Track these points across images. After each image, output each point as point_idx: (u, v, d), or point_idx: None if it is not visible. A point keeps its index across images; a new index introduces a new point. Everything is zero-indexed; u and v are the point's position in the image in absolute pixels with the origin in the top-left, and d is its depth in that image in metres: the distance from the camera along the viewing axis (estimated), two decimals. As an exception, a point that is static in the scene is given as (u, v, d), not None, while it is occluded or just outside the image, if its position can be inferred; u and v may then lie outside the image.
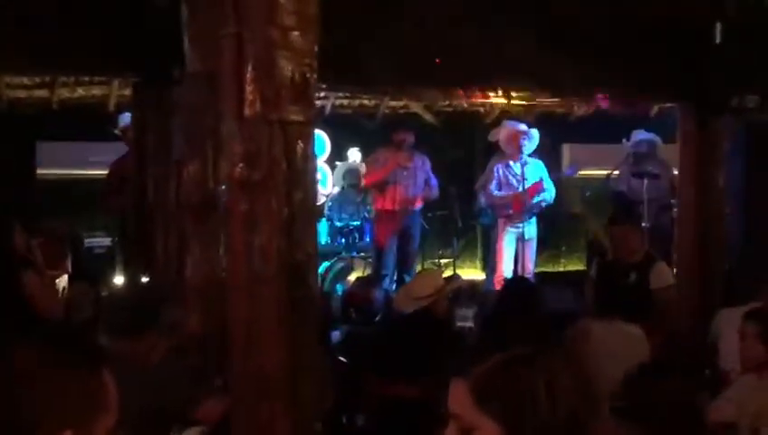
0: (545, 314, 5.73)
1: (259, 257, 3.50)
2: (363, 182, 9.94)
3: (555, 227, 10.66)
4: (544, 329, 5.11)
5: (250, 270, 3.52)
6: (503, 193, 9.15)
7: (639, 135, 9.39)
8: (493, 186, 9.20)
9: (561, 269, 11.38)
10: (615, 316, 5.25)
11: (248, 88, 3.50)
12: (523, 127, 9.17)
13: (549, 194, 9.22)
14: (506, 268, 9.12)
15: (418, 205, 9.64)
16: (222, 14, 3.65)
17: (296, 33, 3.54)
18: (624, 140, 9.50)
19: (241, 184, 3.55)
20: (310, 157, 3.65)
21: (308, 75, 3.57)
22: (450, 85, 7.12)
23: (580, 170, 10.47)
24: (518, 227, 9.08)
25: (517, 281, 7.41)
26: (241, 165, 3.50)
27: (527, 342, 2.15)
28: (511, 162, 9.17)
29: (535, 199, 9.10)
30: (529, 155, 9.17)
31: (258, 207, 3.52)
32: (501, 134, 9.20)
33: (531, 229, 9.16)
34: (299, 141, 3.54)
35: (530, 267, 9.05)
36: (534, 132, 9.21)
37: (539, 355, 1.91)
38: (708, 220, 7.59)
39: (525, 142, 9.07)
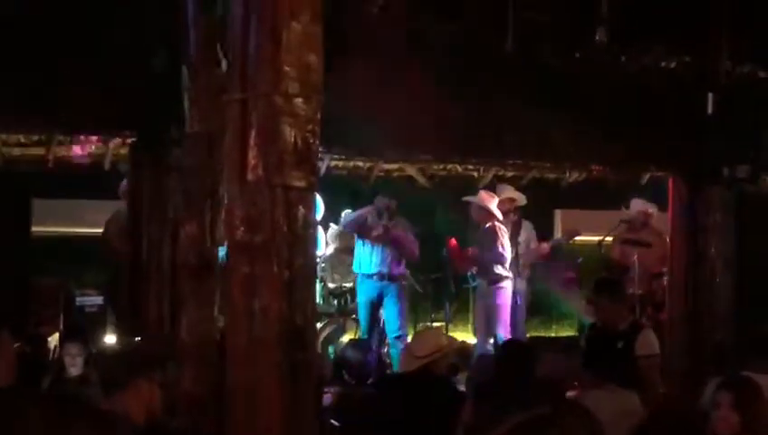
0: (540, 379, 5.70)
1: (259, 321, 3.50)
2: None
3: (547, 293, 10.66)
4: (541, 394, 5.09)
5: (250, 333, 3.51)
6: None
7: (637, 203, 9.43)
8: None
9: (553, 335, 11.35)
10: (609, 381, 5.25)
11: (251, 153, 3.54)
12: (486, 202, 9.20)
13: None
14: (479, 331, 9.28)
15: (398, 271, 9.58)
16: (227, 80, 3.69)
17: (300, 99, 3.58)
18: (623, 208, 9.54)
19: (242, 247, 3.56)
20: (311, 223, 3.67)
21: (311, 141, 3.61)
22: (446, 155, 7.17)
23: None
24: (483, 290, 9.14)
25: (512, 345, 7.37)
26: (242, 228, 3.52)
27: (523, 406, 2.13)
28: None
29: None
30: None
31: (259, 270, 3.52)
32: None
33: (495, 294, 9.14)
34: (300, 207, 3.56)
35: (496, 330, 9.00)
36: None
37: (557, 418, 1.90)
38: (700, 289, 7.60)
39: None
